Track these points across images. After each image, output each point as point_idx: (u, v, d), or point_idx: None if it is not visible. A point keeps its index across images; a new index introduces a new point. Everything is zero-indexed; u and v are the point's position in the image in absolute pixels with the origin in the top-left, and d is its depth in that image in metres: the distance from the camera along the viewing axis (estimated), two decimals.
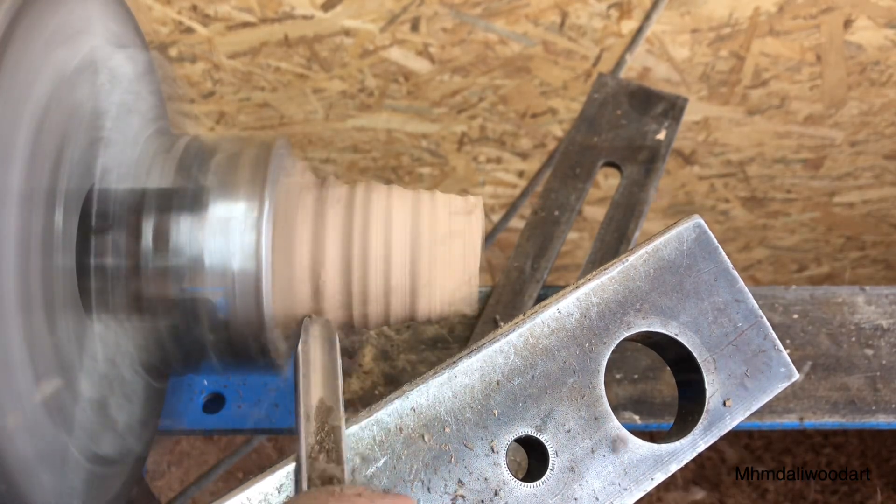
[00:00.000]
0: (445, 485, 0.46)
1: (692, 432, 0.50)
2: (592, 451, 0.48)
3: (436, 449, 0.47)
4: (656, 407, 0.74)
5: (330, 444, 0.45)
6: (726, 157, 1.42)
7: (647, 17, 1.11)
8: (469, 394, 0.48)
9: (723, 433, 0.51)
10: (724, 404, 0.51)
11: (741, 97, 1.31)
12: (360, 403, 0.74)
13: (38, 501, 0.47)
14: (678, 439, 0.50)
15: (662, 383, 0.75)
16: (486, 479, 0.47)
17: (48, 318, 0.47)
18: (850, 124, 1.36)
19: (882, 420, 0.72)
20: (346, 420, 0.47)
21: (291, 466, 0.45)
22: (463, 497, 0.46)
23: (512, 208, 1.14)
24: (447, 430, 0.47)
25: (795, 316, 0.79)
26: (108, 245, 0.53)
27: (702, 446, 0.50)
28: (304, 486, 0.44)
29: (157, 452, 1.56)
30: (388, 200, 0.56)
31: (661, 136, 0.86)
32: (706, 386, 0.51)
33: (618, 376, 0.76)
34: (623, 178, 0.84)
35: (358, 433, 0.46)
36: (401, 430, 0.47)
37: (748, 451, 1.57)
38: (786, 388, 0.53)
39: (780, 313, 0.80)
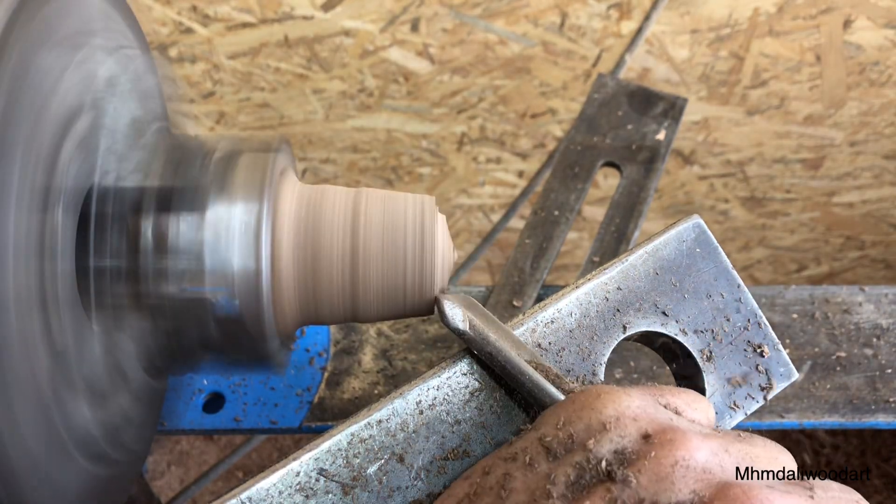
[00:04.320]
0: (447, 483, 0.46)
1: None
2: None
3: (437, 449, 0.47)
4: None
5: (543, 369, 0.47)
6: (726, 157, 1.42)
7: (647, 17, 1.11)
8: (468, 393, 0.48)
9: None
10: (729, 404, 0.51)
11: (741, 97, 1.31)
12: (359, 403, 0.74)
13: (37, 502, 0.47)
14: None
15: (662, 383, 0.75)
16: None
17: (47, 319, 0.47)
18: (850, 124, 1.36)
19: (882, 420, 0.72)
20: (345, 420, 0.47)
21: (292, 466, 0.45)
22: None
23: (512, 208, 1.14)
24: (449, 429, 0.47)
25: (795, 316, 0.79)
26: (107, 245, 0.53)
27: None
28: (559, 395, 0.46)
29: (157, 452, 1.56)
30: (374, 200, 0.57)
31: (661, 136, 0.87)
32: (706, 386, 0.51)
33: (618, 376, 0.76)
34: (623, 178, 0.84)
35: (358, 432, 0.46)
36: (402, 429, 0.47)
37: None
38: (786, 388, 0.53)
39: (780, 313, 0.80)
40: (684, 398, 0.44)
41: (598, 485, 0.39)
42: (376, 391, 0.75)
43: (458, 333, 0.49)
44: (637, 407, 0.41)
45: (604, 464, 0.39)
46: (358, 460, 0.46)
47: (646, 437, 0.40)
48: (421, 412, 0.47)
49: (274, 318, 0.55)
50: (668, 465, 0.38)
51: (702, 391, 0.51)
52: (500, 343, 0.48)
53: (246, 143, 0.58)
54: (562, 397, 0.46)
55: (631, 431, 0.40)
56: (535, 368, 0.47)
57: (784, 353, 0.53)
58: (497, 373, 0.48)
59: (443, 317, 0.50)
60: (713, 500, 0.37)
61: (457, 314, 0.49)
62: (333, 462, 0.45)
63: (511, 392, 0.48)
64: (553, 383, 0.46)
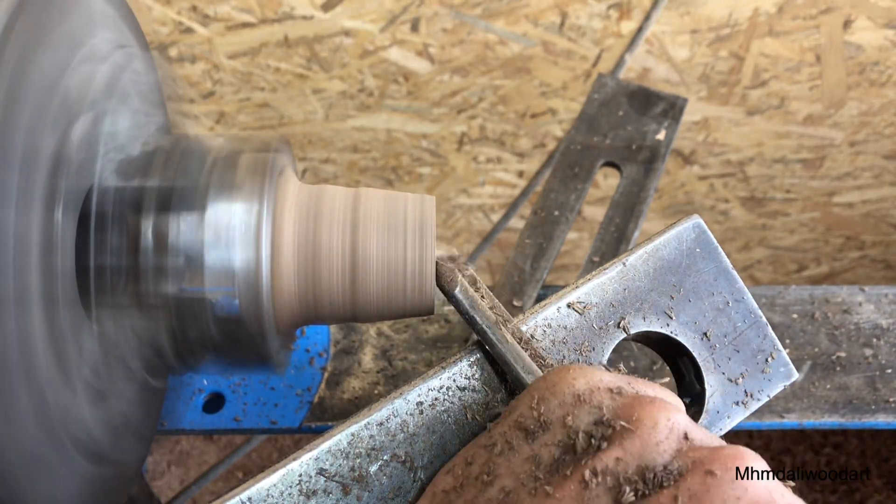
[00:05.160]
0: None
1: None
2: None
3: (437, 449, 0.47)
4: None
5: (527, 345, 0.48)
6: (726, 157, 1.42)
7: (647, 17, 1.11)
8: (469, 395, 0.48)
9: (723, 433, 0.51)
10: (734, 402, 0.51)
11: (741, 97, 1.31)
12: (359, 403, 0.74)
13: (36, 502, 0.47)
14: None
15: (662, 384, 0.75)
16: None
17: (47, 318, 0.47)
18: (850, 124, 1.36)
19: (881, 420, 0.72)
20: (346, 420, 0.47)
21: (292, 466, 0.45)
22: None
23: (512, 208, 1.14)
24: (449, 429, 0.47)
25: (795, 316, 0.79)
26: (107, 244, 0.53)
27: None
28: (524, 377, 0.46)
29: (157, 452, 1.56)
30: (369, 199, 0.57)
31: (661, 136, 0.87)
32: (706, 386, 0.51)
33: None
34: (623, 178, 0.84)
35: (358, 432, 0.46)
36: (402, 429, 0.47)
37: None
38: (786, 388, 0.53)
39: (780, 313, 0.80)
40: (656, 389, 0.44)
41: (584, 457, 0.38)
42: (376, 391, 0.75)
43: (450, 297, 0.50)
44: (609, 380, 0.41)
45: (583, 435, 0.39)
46: (358, 460, 0.46)
47: (623, 402, 0.40)
48: (421, 412, 0.47)
49: (274, 318, 0.55)
50: (650, 426, 0.38)
51: (702, 391, 0.51)
52: (487, 311, 0.49)
53: (246, 143, 0.58)
54: (539, 372, 0.46)
55: (606, 400, 0.40)
56: (519, 342, 0.48)
57: (784, 353, 0.53)
58: (490, 352, 0.48)
59: (439, 279, 0.51)
60: (703, 463, 0.36)
61: (453, 277, 0.51)
62: (334, 462, 0.45)
63: (511, 394, 0.48)
64: (531, 356, 0.47)
